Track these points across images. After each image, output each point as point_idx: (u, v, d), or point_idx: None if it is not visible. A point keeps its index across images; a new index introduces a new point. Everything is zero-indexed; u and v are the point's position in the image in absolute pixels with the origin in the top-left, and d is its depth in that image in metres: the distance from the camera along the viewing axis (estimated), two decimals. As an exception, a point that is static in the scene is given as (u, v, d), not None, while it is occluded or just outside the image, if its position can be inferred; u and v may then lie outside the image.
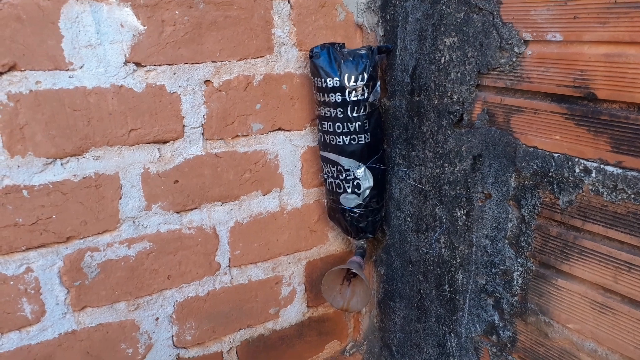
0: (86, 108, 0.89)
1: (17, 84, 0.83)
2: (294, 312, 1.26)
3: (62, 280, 0.95)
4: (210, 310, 1.14)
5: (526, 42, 0.77)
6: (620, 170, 0.68)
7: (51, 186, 0.90)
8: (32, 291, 0.93)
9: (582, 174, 0.72)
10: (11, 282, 0.91)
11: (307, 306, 1.28)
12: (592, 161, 0.71)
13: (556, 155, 0.76)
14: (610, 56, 0.66)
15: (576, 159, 0.73)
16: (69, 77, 0.86)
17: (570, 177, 0.74)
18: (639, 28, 0.63)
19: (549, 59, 0.74)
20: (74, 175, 0.91)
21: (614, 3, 0.64)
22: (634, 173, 0.66)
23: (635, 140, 0.65)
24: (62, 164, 0.90)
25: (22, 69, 0.83)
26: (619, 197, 0.68)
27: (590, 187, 0.72)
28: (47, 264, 0.93)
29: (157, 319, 1.07)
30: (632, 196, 0.67)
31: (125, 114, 0.93)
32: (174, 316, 1.09)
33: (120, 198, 0.97)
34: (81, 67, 0.87)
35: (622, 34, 0.65)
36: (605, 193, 0.70)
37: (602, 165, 0.70)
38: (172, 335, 1.10)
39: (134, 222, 0.99)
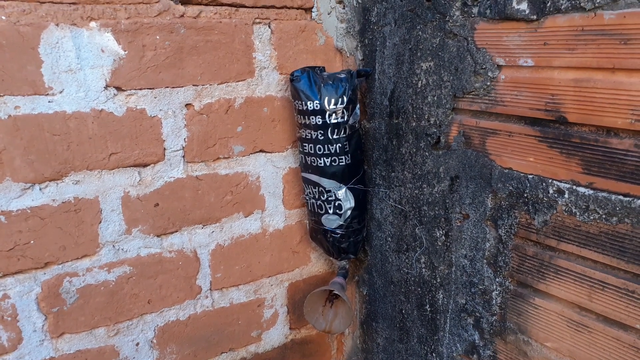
0: (66, 132, 0.89)
1: (-4, 109, 0.83)
2: (276, 335, 1.26)
3: (39, 306, 0.94)
4: (192, 335, 1.13)
5: (499, 66, 0.79)
6: (591, 191, 0.70)
7: (29, 211, 0.89)
8: (9, 318, 0.91)
9: (556, 195, 0.74)
10: (-13, 310, 0.89)
11: (290, 328, 1.28)
12: (565, 182, 0.73)
13: (530, 176, 0.78)
14: (579, 81, 0.69)
15: (550, 180, 0.75)
16: (49, 101, 0.86)
17: (545, 198, 0.76)
18: (606, 54, 0.65)
19: (521, 83, 0.76)
20: (53, 200, 0.91)
21: (581, 31, 0.67)
22: (604, 194, 0.68)
23: (604, 162, 0.68)
24: (40, 189, 0.89)
25: (1, 94, 0.82)
26: (591, 218, 0.70)
27: (564, 208, 0.74)
28: (24, 290, 0.92)
29: (137, 344, 1.06)
30: (604, 216, 0.69)
31: (106, 138, 0.92)
32: (155, 341, 1.08)
33: (100, 222, 0.96)
34: (61, 92, 0.87)
35: (590, 60, 0.67)
36: (578, 213, 0.72)
37: (574, 187, 0.72)
38: (153, 361, 1.09)
39: (114, 246, 0.98)
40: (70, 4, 0.85)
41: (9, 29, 0.81)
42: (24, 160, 0.86)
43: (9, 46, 0.81)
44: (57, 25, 0.84)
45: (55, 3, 0.84)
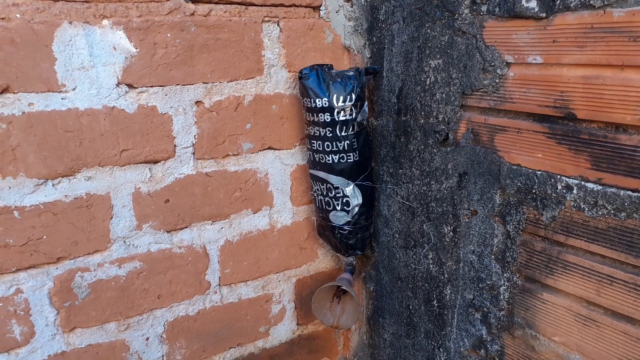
0: (78, 129, 0.90)
1: (10, 106, 0.84)
2: (284, 330, 1.27)
3: (52, 301, 0.95)
4: (201, 330, 1.14)
5: (508, 64, 0.80)
6: (600, 187, 0.71)
7: (42, 207, 0.90)
8: (22, 312, 0.92)
9: (564, 191, 0.75)
10: (0, 304, 0.90)
11: (297, 324, 1.29)
12: (573, 178, 0.74)
13: (539, 172, 0.78)
14: (588, 78, 0.69)
15: (558, 176, 0.76)
16: (62, 98, 0.87)
17: (553, 194, 0.77)
18: (615, 52, 0.66)
19: (530, 80, 0.77)
20: (65, 195, 0.92)
21: (591, 28, 0.68)
22: (613, 189, 0.69)
23: (613, 158, 0.68)
24: (53, 185, 0.90)
25: (15, 91, 0.84)
26: (600, 213, 0.71)
27: (572, 204, 0.74)
28: (37, 285, 0.93)
29: (147, 339, 1.07)
30: (612, 212, 0.70)
31: (117, 135, 0.94)
32: (164, 336, 1.09)
33: (112, 218, 0.97)
34: (74, 89, 0.88)
35: (599, 57, 0.68)
36: (586, 209, 0.73)
37: (582, 182, 0.73)
38: (163, 355, 1.10)
39: (124, 241, 0.99)
40: (83, 2, 0.86)
41: (23, 27, 0.82)
42: (38, 156, 0.87)
43: (23, 44, 0.82)
44: (71, 23, 0.85)
45: (69, 1, 0.85)
